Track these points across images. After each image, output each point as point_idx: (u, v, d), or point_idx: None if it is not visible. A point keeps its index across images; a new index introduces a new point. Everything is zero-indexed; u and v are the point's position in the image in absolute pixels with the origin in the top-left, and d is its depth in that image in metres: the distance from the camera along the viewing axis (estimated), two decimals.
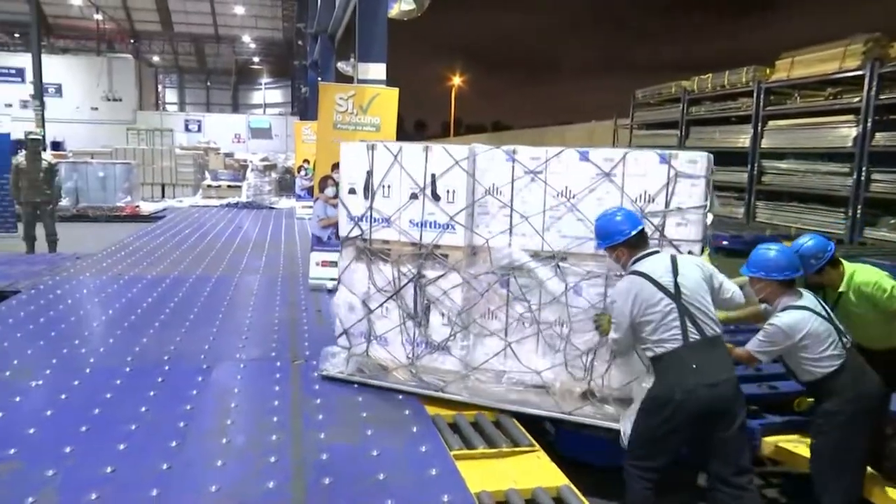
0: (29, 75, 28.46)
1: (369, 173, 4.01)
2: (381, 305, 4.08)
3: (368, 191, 4.02)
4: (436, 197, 3.83)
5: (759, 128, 15.53)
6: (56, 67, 34.18)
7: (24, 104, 31.16)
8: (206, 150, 25.21)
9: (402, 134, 6.97)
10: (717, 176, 17.64)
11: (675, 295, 3.19)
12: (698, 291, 3.23)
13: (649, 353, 3.24)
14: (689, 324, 3.15)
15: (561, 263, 3.66)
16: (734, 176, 16.46)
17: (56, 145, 27.08)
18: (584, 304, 3.62)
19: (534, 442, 3.49)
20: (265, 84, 53.26)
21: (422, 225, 3.89)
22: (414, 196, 3.89)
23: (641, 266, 3.29)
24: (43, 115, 24.95)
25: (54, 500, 2.76)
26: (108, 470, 3.00)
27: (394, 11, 9.40)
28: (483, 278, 3.81)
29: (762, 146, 15.56)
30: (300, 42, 33.65)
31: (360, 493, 2.90)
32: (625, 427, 3.40)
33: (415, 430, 3.54)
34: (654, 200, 3.49)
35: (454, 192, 3.80)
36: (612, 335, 3.38)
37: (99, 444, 3.26)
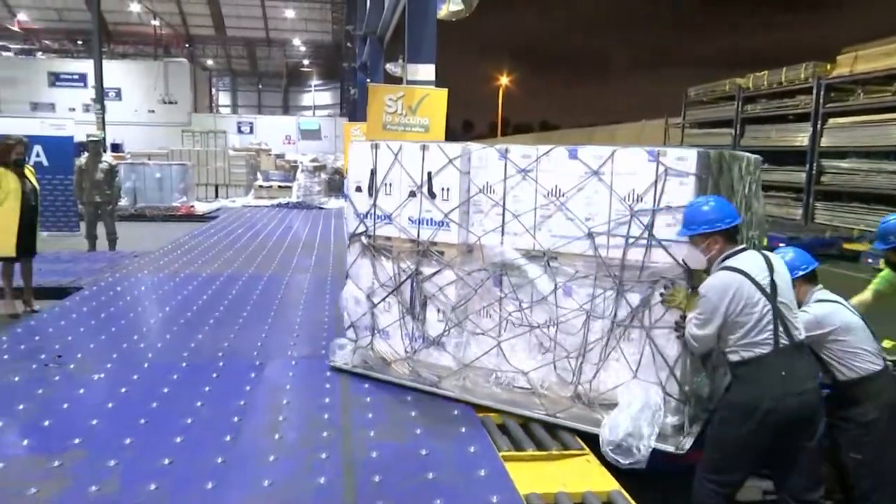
0: (91, 80, 29.56)
1: (373, 172, 4.11)
2: (383, 300, 4.16)
3: (372, 189, 4.12)
4: (432, 195, 3.88)
5: (819, 126, 15.06)
6: (116, 72, 35.42)
7: (86, 108, 32.42)
8: (258, 152, 25.72)
9: (449, 134, 6.99)
10: (773, 175, 17.34)
11: (772, 295, 3.03)
12: (789, 292, 3.11)
13: (733, 357, 3.09)
14: (780, 328, 3.01)
15: (551, 262, 3.59)
16: (791, 176, 15.99)
17: (115, 147, 28.03)
18: (574, 304, 3.54)
19: (584, 445, 3.45)
20: (315, 86, 54.13)
21: (419, 222, 3.94)
22: (412, 194, 3.95)
23: (737, 262, 3.09)
24: (103, 118, 25.87)
25: (116, 489, 2.86)
26: (166, 462, 3.10)
27: (442, 12, 9.43)
28: (476, 276, 3.82)
29: (821, 145, 15.08)
30: (349, 44, 34.08)
31: (409, 491, 2.92)
32: (603, 433, 3.27)
33: (463, 430, 3.55)
34: (642, 199, 3.33)
35: (448, 189, 3.83)
36: (696, 331, 3.13)
37: (157, 437, 3.37)
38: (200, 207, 17.22)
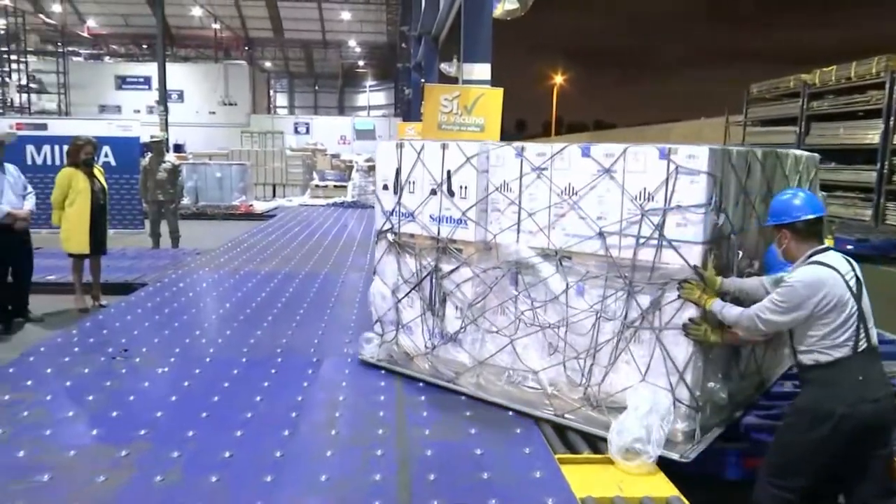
0: (155, 83, 30.65)
1: (398, 171, 4.18)
2: (406, 295, 4.24)
3: (397, 187, 4.18)
4: (451, 193, 3.91)
5: (891, 122, 14.42)
6: (178, 75, 36.62)
7: (150, 110, 33.57)
8: (314, 152, 26.18)
9: (503, 134, 6.97)
10: (841, 175, 16.72)
11: (857, 296, 2.93)
12: (866, 294, 3.01)
13: (807, 359, 2.99)
14: (861, 330, 2.91)
15: (564, 262, 3.54)
16: (860, 175, 15.38)
17: (178, 147, 28.96)
18: (585, 305, 3.48)
19: None
20: (369, 87, 54.73)
21: (439, 220, 3.99)
22: (433, 192, 4.00)
23: (825, 259, 2.99)
24: (166, 120, 26.77)
25: (179, 479, 2.95)
26: (227, 455, 3.18)
27: (498, 11, 9.42)
28: (491, 274, 3.82)
29: (894, 142, 14.44)
30: (404, 45, 34.32)
31: (463, 490, 2.92)
32: (612, 437, 3.18)
33: (518, 431, 3.53)
34: (653, 198, 3.23)
35: (466, 188, 3.86)
36: (771, 316, 2.99)
37: (218, 430, 3.46)
38: (259, 206, 17.63)
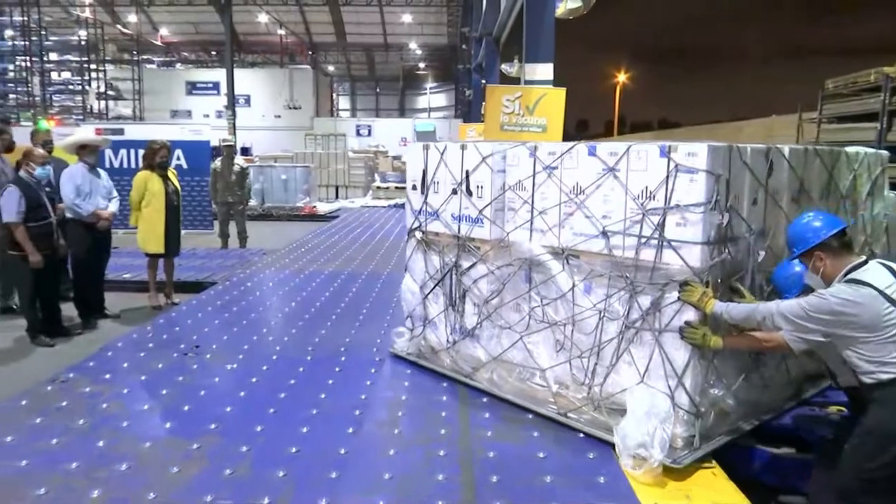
0: (223, 88, 31.67)
1: (424, 171, 4.33)
2: (430, 291, 4.38)
3: (424, 187, 4.31)
4: (469, 192, 4.00)
5: None
6: (245, 80, 37.71)
7: (218, 114, 34.69)
8: (376, 154, 26.53)
9: (564, 135, 6.88)
10: None
11: None
12: None
13: (868, 380, 2.86)
14: None
15: (571, 261, 3.53)
16: None
17: (245, 151, 29.81)
18: (590, 304, 3.46)
19: (710, 458, 3.29)
20: (430, 89, 55.10)
21: (459, 219, 4.10)
22: (454, 191, 4.10)
23: (863, 276, 2.85)
24: (234, 124, 27.62)
25: (248, 473, 3.04)
26: (293, 450, 3.25)
27: (560, 10, 9.30)
28: (505, 271, 3.87)
29: None
30: (464, 46, 34.39)
31: (526, 493, 2.90)
32: (617, 443, 3.13)
33: (582, 435, 3.48)
34: (654, 197, 3.17)
35: (482, 187, 3.93)
36: (794, 318, 2.90)
37: (284, 426, 3.54)
38: (322, 208, 17.98)
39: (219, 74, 36.76)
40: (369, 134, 38.96)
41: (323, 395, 3.97)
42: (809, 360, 3.75)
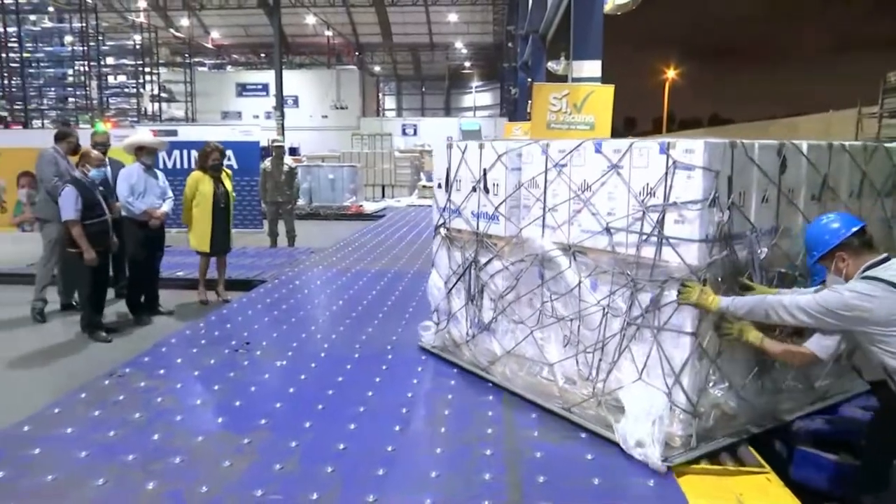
0: (272, 89, 32.23)
1: (448, 170, 4.48)
2: (453, 286, 4.52)
3: (448, 185, 4.46)
4: (486, 190, 4.12)
5: None
6: (293, 81, 38.32)
7: (267, 115, 35.34)
8: (421, 153, 26.63)
9: (612, 131, 6.80)
10: None
11: None
12: None
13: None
14: None
15: (578, 256, 3.57)
16: None
17: (293, 151, 30.24)
18: (595, 300, 3.49)
19: (763, 463, 3.21)
20: (475, 87, 55.09)
21: (478, 215, 4.21)
22: (473, 189, 4.23)
23: (881, 272, 2.82)
24: (283, 124, 28.08)
25: (297, 468, 3.09)
26: (341, 447, 3.29)
27: (608, 6, 9.19)
28: (518, 267, 3.94)
29: None
30: (510, 44, 34.30)
31: (574, 495, 2.88)
32: (622, 441, 3.16)
33: None
34: (654, 194, 3.17)
35: (497, 185, 4.04)
36: (804, 309, 2.88)
37: (332, 422, 3.59)
38: (368, 207, 18.13)
39: (268, 76, 37.43)
40: (415, 133, 39.17)
41: (370, 393, 4.01)
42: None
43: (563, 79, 12.13)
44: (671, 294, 3.14)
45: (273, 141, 11.78)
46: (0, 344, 6.04)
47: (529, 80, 20.60)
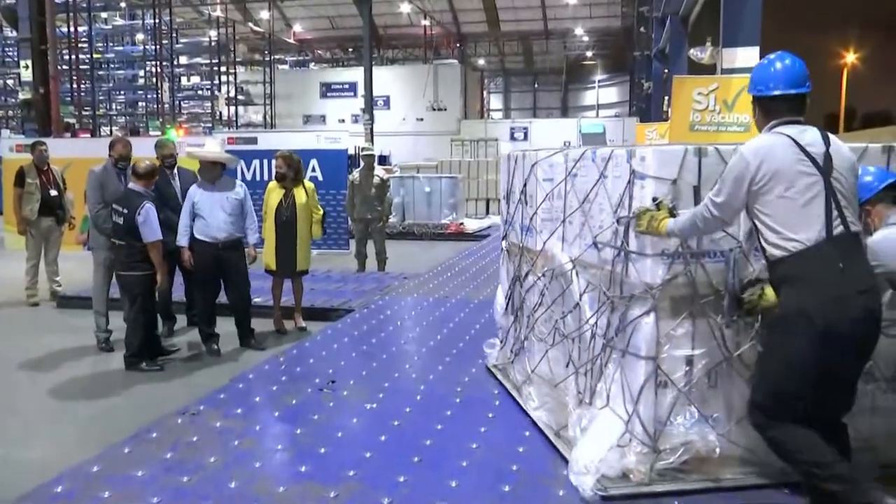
0: (360, 89, 33.37)
1: (507, 182, 5.06)
2: (508, 301, 5.04)
3: (508, 197, 5.04)
4: (525, 202, 4.61)
5: None
6: (384, 79, 39.51)
7: (354, 118, 36.55)
8: None
9: None
10: None
11: (825, 170, 2.95)
12: (849, 174, 3.04)
13: (776, 252, 2.98)
14: (834, 211, 2.92)
15: (580, 272, 3.89)
16: None
17: (383, 159, 31.04)
18: (585, 318, 3.79)
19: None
20: (598, 81, 54.78)
21: (522, 228, 4.71)
22: (520, 201, 4.72)
23: (784, 129, 3.06)
24: (372, 129, 28.90)
25: None
26: None
27: None
28: (542, 281, 4.34)
29: None
30: (642, 29, 33.87)
31: None
32: (571, 461, 3.40)
33: None
34: (622, 204, 3.47)
35: (533, 196, 4.49)
36: (715, 198, 3.07)
37: (430, 478, 3.66)
38: (470, 225, 18.09)
39: (355, 74, 38.80)
40: (525, 138, 39.31)
41: (474, 445, 4.05)
42: None
43: (709, 70, 11.88)
44: (634, 312, 3.38)
45: (362, 149, 12.05)
46: (67, 371, 6.46)
47: (666, 71, 20.29)
